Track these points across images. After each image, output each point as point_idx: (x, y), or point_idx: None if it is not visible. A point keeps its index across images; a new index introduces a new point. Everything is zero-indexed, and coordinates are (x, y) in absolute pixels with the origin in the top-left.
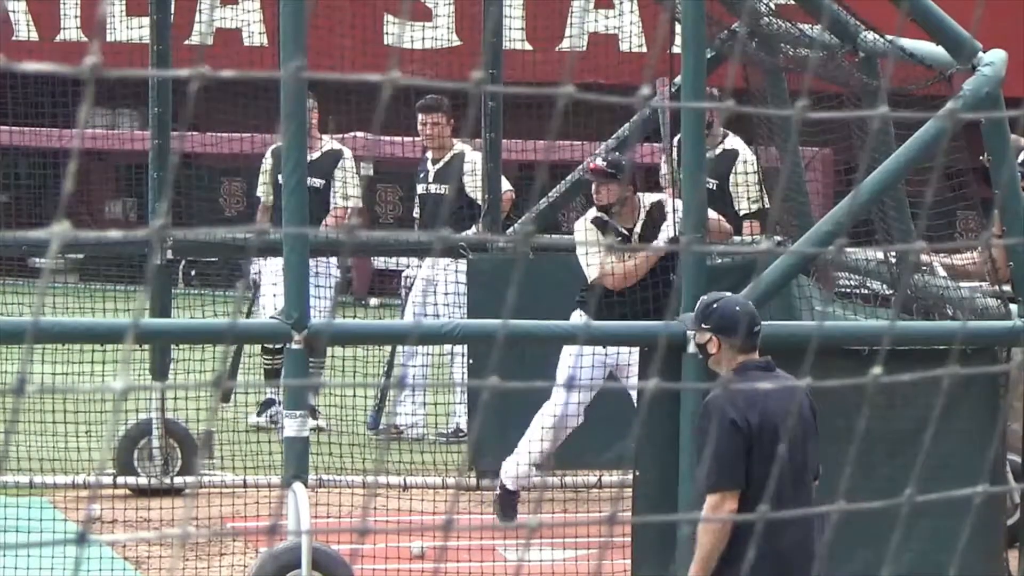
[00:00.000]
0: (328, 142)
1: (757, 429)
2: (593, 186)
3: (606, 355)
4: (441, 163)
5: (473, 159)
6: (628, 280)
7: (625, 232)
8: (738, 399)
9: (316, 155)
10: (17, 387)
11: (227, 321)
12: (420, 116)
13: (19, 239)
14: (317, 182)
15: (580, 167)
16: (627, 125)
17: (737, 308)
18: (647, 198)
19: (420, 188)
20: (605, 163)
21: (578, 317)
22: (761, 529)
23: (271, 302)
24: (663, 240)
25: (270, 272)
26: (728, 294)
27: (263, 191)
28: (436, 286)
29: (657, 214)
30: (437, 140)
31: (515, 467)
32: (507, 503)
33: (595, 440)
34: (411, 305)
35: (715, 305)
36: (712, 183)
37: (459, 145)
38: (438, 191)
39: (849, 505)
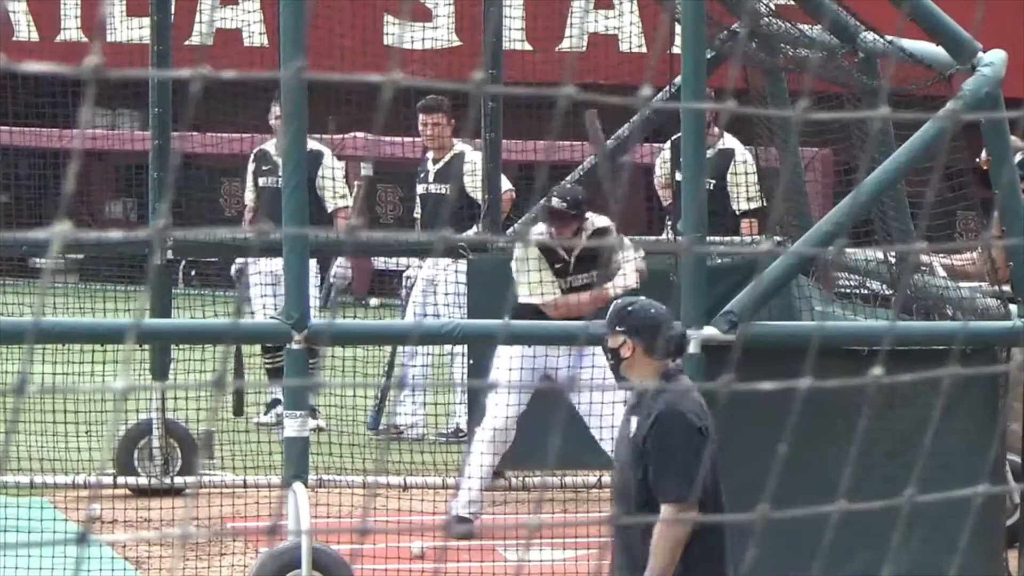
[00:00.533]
0: (308, 142)
1: (710, 438)
2: (551, 222)
3: (535, 357)
4: (441, 163)
5: (473, 159)
6: (570, 313)
7: (564, 255)
8: (695, 407)
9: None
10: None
11: (227, 321)
12: (421, 116)
13: (19, 239)
14: (437, 188)
15: (579, 167)
16: (626, 125)
17: (653, 311)
18: (592, 221)
19: (420, 188)
20: (565, 204)
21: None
22: (712, 546)
23: (259, 303)
24: (620, 284)
25: (257, 273)
26: (643, 298)
27: (248, 197)
28: (437, 286)
29: (597, 242)
30: (437, 140)
31: (466, 494)
32: (462, 528)
33: (594, 440)
34: (412, 305)
35: (630, 308)
36: (710, 183)
37: (459, 145)
38: (439, 191)
39: (849, 505)
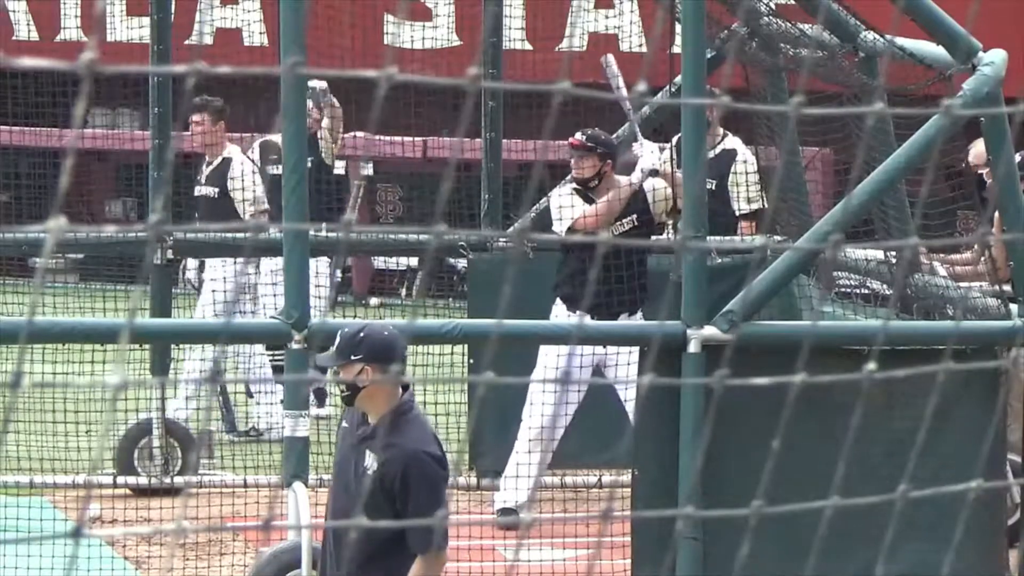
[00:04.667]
0: (228, 149)
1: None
2: (572, 160)
3: (593, 352)
4: (212, 167)
5: (242, 161)
6: (601, 220)
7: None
8: (431, 440)
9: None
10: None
11: (227, 321)
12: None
13: (17, 238)
14: (209, 191)
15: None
16: (627, 125)
17: (386, 333)
18: (623, 180)
19: (196, 190)
20: (584, 137)
21: (556, 307)
22: None
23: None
24: (638, 175)
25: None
26: (371, 321)
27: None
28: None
29: (633, 202)
30: (205, 141)
31: (513, 484)
32: (506, 518)
33: (594, 439)
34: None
35: (362, 334)
36: (711, 183)
37: (230, 149)
38: (209, 194)
39: (843, 500)
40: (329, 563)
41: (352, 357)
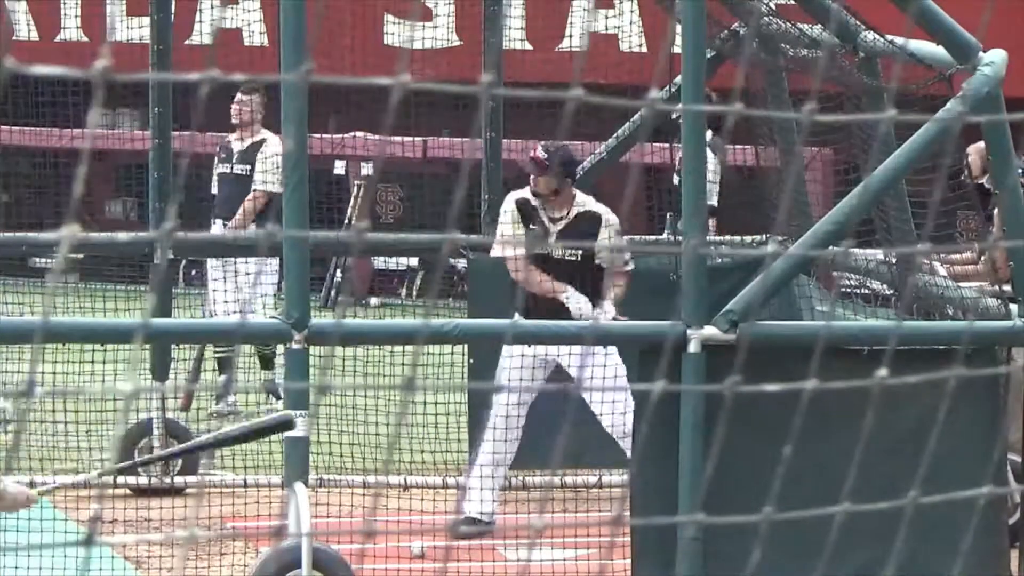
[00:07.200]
0: (261, 132)
1: None
2: (531, 175)
3: (546, 354)
4: (246, 145)
5: (277, 143)
6: (528, 286)
7: (544, 221)
8: None
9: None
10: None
11: (227, 321)
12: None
13: (27, 239)
14: (242, 169)
15: (579, 167)
16: (627, 124)
17: None
18: (587, 202)
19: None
20: (545, 154)
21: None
22: None
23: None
24: (599, 308)
25: (214, 269)
26: None
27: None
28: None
29: (586, 223)
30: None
31: (477, 494)
32: (471, 528)
33: (594, 439)
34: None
35: None
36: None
37: (265, 131)
38: (243, 172)
39: (853, 507)
40: None
41: None
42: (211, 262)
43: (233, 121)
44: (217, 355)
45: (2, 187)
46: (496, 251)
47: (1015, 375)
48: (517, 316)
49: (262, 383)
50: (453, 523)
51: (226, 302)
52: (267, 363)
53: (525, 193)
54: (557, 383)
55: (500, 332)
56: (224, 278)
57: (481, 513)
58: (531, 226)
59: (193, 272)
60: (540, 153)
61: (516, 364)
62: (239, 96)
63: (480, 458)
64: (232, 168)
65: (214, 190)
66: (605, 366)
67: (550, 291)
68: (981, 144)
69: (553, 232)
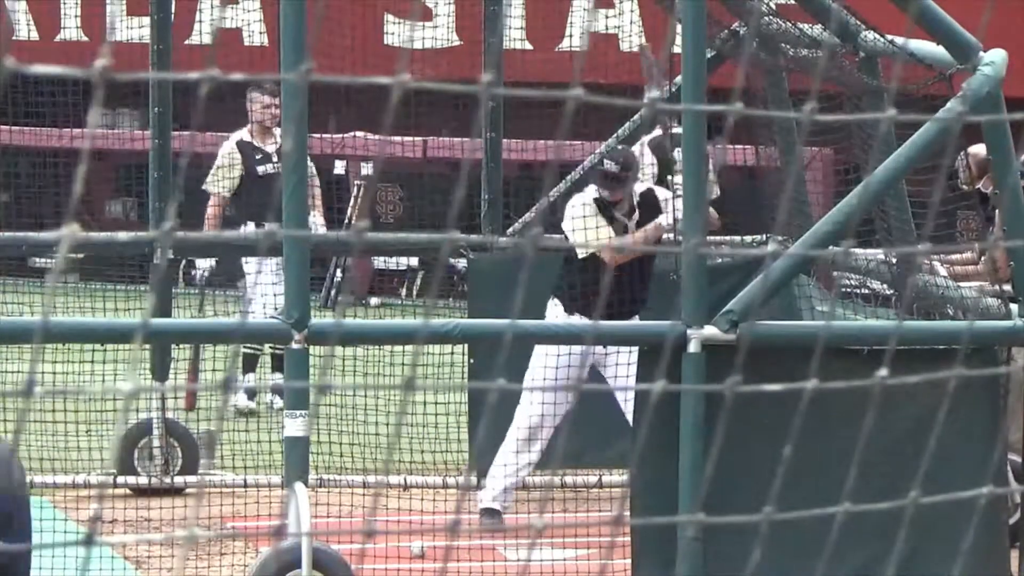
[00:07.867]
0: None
1: None
2: (606, 189)
3: (593, 352)
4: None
5: None
6: (630, 253)
7: (626, 222)
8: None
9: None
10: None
11: (227, 321)
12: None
13: (27, 239)
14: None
15: (580, 166)
16: (627, 124)
17: None
18: (636, 187)
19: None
20: (617, 166)
21: (554, 306)
22: None
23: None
24: (664, 220)
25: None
26: None
27: (225, 185)
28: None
29: (648, 203)
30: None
31: (495, 484)
32: (490, 520)
33: (594, 439)
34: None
35: None
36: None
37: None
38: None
39: (853, 507)
40: None
41: None
42: (247, 261)
43: (264, 123)
44: (246, 352)
45: (2, 187)
46: (580, 242)
47: (1015, 375)
48: (557, 305)
49: (269, 384)
50: (480, 512)
51: (263, 296)
52: (251, 364)
53: (592, 193)
54: (570, 383)
55: (500, 332)
56: (258, 274)
57: (494, 501)
58: (612, 224)
59: (193, 272)
60: (610, 166)
61: (552, 363)
62: (266, 99)
63: (507, 446)
64: (278, 168)
65: (228, 191)
66: (630, 364)
67: (647, 238)
68: (975, 148)
69: (631, 224)
